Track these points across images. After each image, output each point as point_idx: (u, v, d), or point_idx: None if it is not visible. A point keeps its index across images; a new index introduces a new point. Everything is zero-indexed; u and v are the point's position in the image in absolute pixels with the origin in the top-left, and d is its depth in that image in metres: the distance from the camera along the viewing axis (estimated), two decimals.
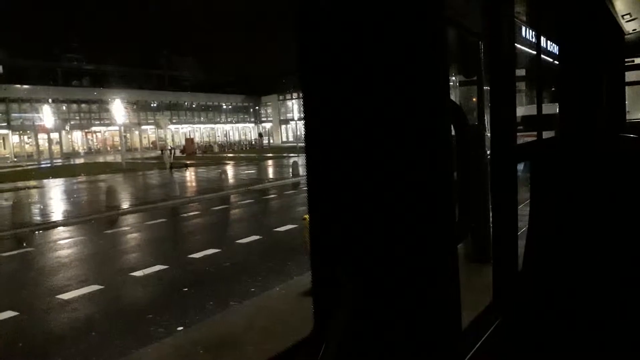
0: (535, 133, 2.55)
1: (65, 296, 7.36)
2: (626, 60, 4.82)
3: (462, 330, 1.24)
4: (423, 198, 1.05)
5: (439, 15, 1.08)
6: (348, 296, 1.00)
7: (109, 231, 13.08)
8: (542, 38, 2.90)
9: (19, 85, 53.10)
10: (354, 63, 0.99)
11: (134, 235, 12.72)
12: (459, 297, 1.16)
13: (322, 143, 1.03)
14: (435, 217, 1.07)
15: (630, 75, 5.08)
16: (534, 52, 2.67)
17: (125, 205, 17.07)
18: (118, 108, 38.93)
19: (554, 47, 3.62)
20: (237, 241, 10.58)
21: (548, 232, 2.25)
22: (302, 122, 1.08)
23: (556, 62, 3.32)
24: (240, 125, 79.18)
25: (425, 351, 1.05)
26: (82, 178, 29.06)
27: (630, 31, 4.48)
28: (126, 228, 13.56)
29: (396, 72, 1.00)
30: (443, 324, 1.10)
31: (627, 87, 4.79)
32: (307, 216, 5.38)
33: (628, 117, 5.19)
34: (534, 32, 2.82)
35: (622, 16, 3.94)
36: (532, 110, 2.88)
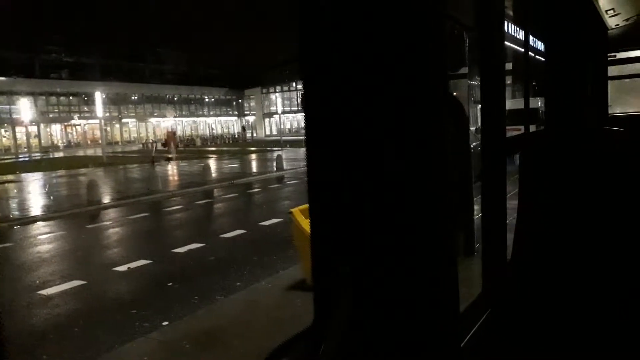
0: (519, 127, 2.59)
1: (47, 292, 7.25)
2: (609, 55, 4.89)
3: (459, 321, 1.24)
4: (422, 190, 1.05)
5: (438, 10, 1.07)
6: (349, 287, 1.00)
7: (91, 226, 12.90)
8: (525, 32, 2.92)
9: None
10: (352, 56, 0.98)
11: (116, 229, 12.56)
12: (457, 286, 1.16)
13: (322, 134, 1.02)
14: (435, 208, 1.07)
15: (612, 70, 5.15)
16: (516, 46, 2.70)
17: (106, 199, 16.84)
18: (98, 101, 38.30)
19: (535, 42, 3.66)
20: (222, 235, 10.52)
21: (536, 223, 2.28)
22: (303, 113, 1.06)
23: (538, 57, 3.35)
24: (223, 119, 78.62)
25: (425, 339, 1.06)
26: (62, 172, 28.58)
27: (613, 26, 4.55)
28: (108, 222, 13.39)
29: (395, 64, 0.99)
30: (442, 314, 1.10)
31: (609, 82, 4.86)
32: (293, 210, 5.36)
33: (610, 111, 5.28)
34: (518, 27, 2.85)
35: (606, 11, 3.99)
36: (516, 104, 2.91)
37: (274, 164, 25.26)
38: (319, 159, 1.01)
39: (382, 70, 0.96)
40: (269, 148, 42.33)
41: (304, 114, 1.04)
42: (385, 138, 0.97)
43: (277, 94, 74.64)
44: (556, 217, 2.33)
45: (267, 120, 78.72)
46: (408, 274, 1.02)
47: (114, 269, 8.38)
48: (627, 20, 4.43)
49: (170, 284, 7.38)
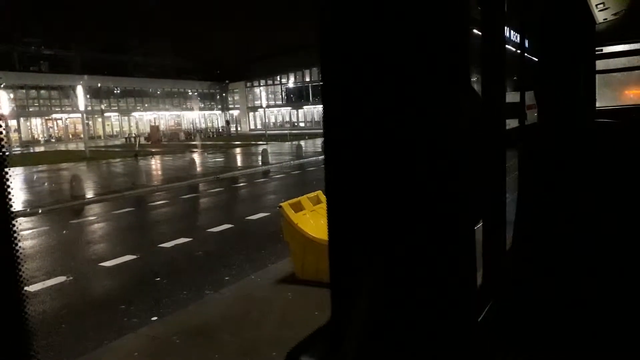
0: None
1: (32, 288, 7.11)
2: (596, 49, 4.95)
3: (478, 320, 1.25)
4: (440, 186, 1.04)
5: (463, 15, 1.07)
6: (370, 284, 0.99)
7: (75, 221, 12.71)
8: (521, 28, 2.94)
9: None
10: (373, 58, 0.97)
11: (101, 224, 12.40)
12: (475, 282, 1.16)
13: (342, 132, 1.01)
14: (455, 205, 1.07)
15: (598, 64, 5.21)
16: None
17: (90, 194, 16.60)
18: (80, 94, 37.63)
19: (516, 36, 3.69)
20: (209, 230, 10.45)
21: (535, 210, 2.31)
22: (322, 109, 1.05)
23: (518, 51, 3.38)
24: (207, 113, 77.98)
25: (444, 341, 1.05)
26: (43, 167, 28.09)
27: (601, 20, 4.59)
28: (92, 217, 13.21)
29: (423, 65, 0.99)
30: (460, 312, 1.10)
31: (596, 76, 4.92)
32: (283, 204, 5.34)
33: (597, 104, 5.34)
34: (511, 22, 2.86)
35: (596, 5, 4.03)
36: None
37: (259, 158, 25.17)
38: (339, 159, 1.00)
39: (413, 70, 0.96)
40: (253, 142, 42.11)
41: (322, 116, 1.03)
42: (413, 139, 0.96)
43: (261, 88, 74.25)
44: (555, 206, 2.36)
45: (251, 114, 78.30)
46: (430, 272, 1.02)
47: (100, 264, 8.28)
48: (615, 14, 4.48)
49: (158, 279, 7.31)
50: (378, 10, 0.97)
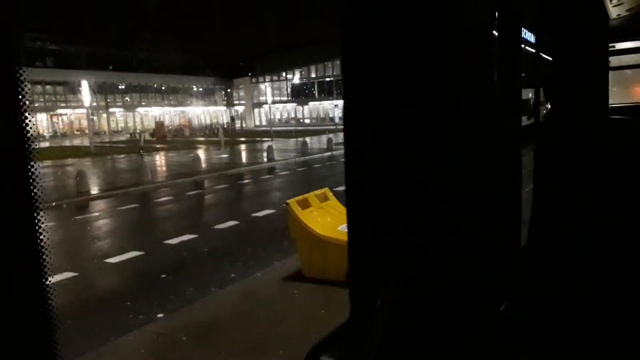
0: None
1: None
2: (609, 45, 4.87)
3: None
4: (459, 184, 1.01)
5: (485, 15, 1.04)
6: (391, 283, 0.95)
7: (80, 217, 12.74)
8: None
9: None
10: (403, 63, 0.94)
11: (106, 220, 12.41)
12: (494, 280, 1.12)
13: (363, 131, 0.97)
14: (474, 203, 1.03)
15: (612, 61, 5.13)
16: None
17: (95, 190, 16.63)
18: (85, 90, 37.69)
19: (526, 34, 3.63)
20: (214, 227, 10.43)
21: (550, 209, 2.27)
22: (343, 109, 1.01)
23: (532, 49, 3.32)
24: (211, 109, 78.04)
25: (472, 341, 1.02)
26: (48, 162, 28.16)
27: (615, 16, 4.52)
28: (97, 213, 13.23)
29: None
30: (482, 310, 1.06)
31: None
32: (289, 201, 5.27)
33: (610, 101, 5.28)
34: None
35: (610, 0, 3.96)
36: None
37: (265, 154, 25.15)
38: (361, 157, 0.97)
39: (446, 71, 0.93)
40: (258, 138, 42.10)
41: (343, 113, 0.99)
42: (435, 137, 0.93)
43: (266, 84, 74.20)
44: (569, 204, 2.32)
45: (256, 110, 78.30)
46: (452, 272, 0.98)
47: (105, 260, 8.27)
48: (629, 10, 4.40)
49: (164, 275, 7.29)
50: (399, 9, 0.94)
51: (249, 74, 77.14)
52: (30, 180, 0.67)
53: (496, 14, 1.99)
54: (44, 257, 0.71)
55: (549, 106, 3.62)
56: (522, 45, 2.70)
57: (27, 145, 0.69)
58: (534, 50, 2.84)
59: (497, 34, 2.01)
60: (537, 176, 2.46)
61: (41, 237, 0.70)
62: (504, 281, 2.01)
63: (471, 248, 1.02)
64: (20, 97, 0.69)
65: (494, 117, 1.38)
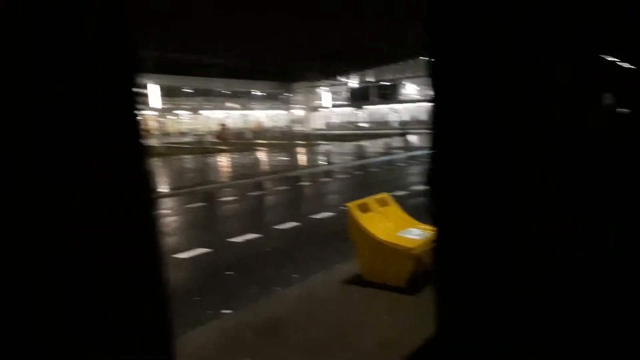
0: None
1: None
2: None
3: None
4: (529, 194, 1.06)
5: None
6: (480, 296, 1.02)
7: None
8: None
9: None
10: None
11: (174, 218, 13.01)
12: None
13: (453, 136, 1.05)
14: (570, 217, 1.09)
15: None
16: None
17: (163, 188, 17.45)
18: (154, 93, 39.58)
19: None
20: (275, 227, 10.72)
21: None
22: (432, 117, 1.09)
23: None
24: (271, 112, 79.52)
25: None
26: None
27: None
28: (166, 211, 13.88)
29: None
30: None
31: None
32: (349, 204, 5.36)
33: None
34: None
35: None
36: None
37: (323, 157, 25.39)
38: (449, 166, 1.04)
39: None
40: (316, 142, 42.48)
41: (432, 118, 1.07)
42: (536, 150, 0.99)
43: (324, 88, 74.69)
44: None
45: (314, 114, 79.02)
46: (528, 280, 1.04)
47: (174, 255, 8.71)
48: None
49: (230, 272, 7.61)
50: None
51: (308, 78, 77.93)
52: (148, 173, 0.76)
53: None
54: (159, 239, 0.82)
55: None
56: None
57: (141, 144, 0.78)
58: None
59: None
60: None
61: (157, 224, 0.80)
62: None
63: (563, 258, 1.07)
64: (135, 101, 0.80)
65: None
